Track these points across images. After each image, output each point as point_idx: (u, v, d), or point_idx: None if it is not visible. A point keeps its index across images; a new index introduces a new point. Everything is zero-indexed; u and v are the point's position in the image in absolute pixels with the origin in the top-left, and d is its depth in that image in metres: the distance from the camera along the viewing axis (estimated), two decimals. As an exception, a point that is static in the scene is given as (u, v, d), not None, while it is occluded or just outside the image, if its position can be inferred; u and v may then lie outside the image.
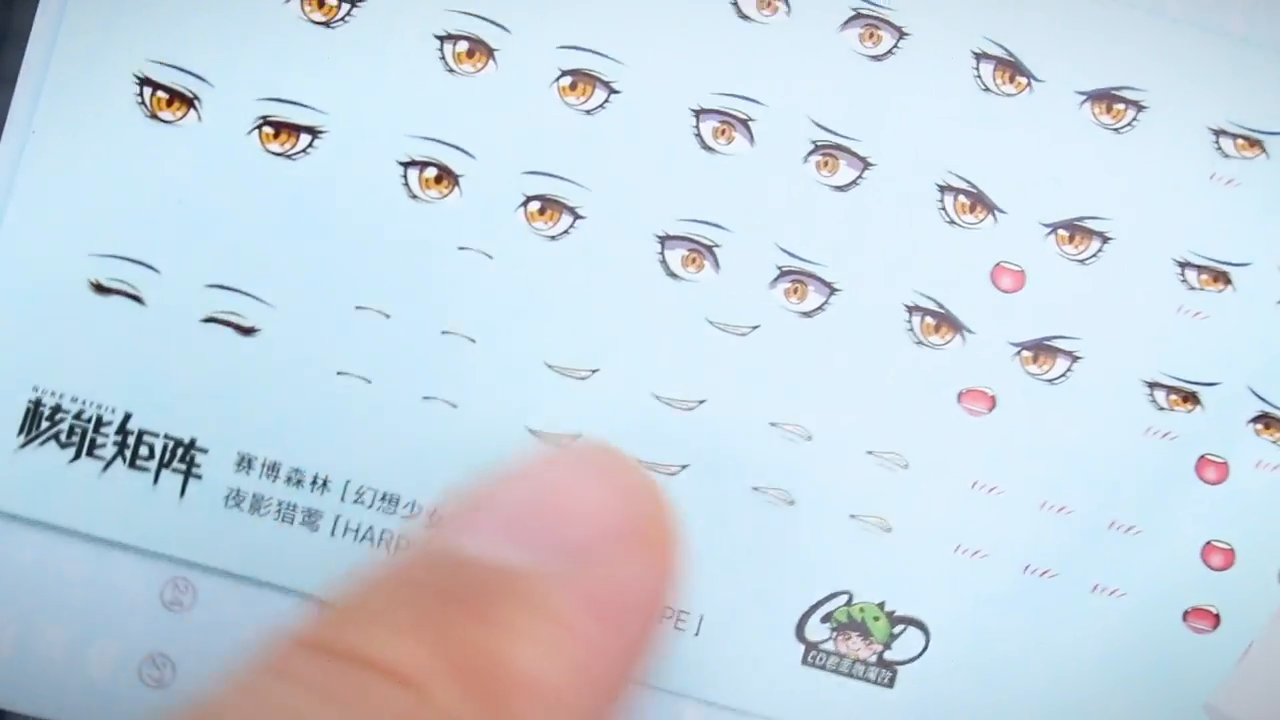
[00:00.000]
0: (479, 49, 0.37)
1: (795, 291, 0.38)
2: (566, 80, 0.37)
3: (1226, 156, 0.39)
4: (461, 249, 0.37)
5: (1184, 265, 0.39)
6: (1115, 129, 0.39)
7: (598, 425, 0.37)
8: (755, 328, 0.37)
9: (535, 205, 0.37)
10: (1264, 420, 0.39)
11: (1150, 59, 0.39)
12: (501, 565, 0.28)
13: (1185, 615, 0.38)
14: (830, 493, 0.37)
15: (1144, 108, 0.39)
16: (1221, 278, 0.39)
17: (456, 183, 0.37)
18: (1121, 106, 0.39)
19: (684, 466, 0.37)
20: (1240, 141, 0.39)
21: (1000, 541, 0.38)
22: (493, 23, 0.37)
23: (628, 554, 0.29)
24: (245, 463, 0.36)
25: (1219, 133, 0.39)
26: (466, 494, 0.30)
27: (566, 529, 0.29)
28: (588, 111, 0.37)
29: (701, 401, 0.37)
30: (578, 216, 0.37)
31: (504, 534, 0.29)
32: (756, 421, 0.37)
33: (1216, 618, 0.38)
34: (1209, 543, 0.39)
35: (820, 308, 0.38)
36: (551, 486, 0.29)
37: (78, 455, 0.36)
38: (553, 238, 0.37)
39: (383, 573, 0.28)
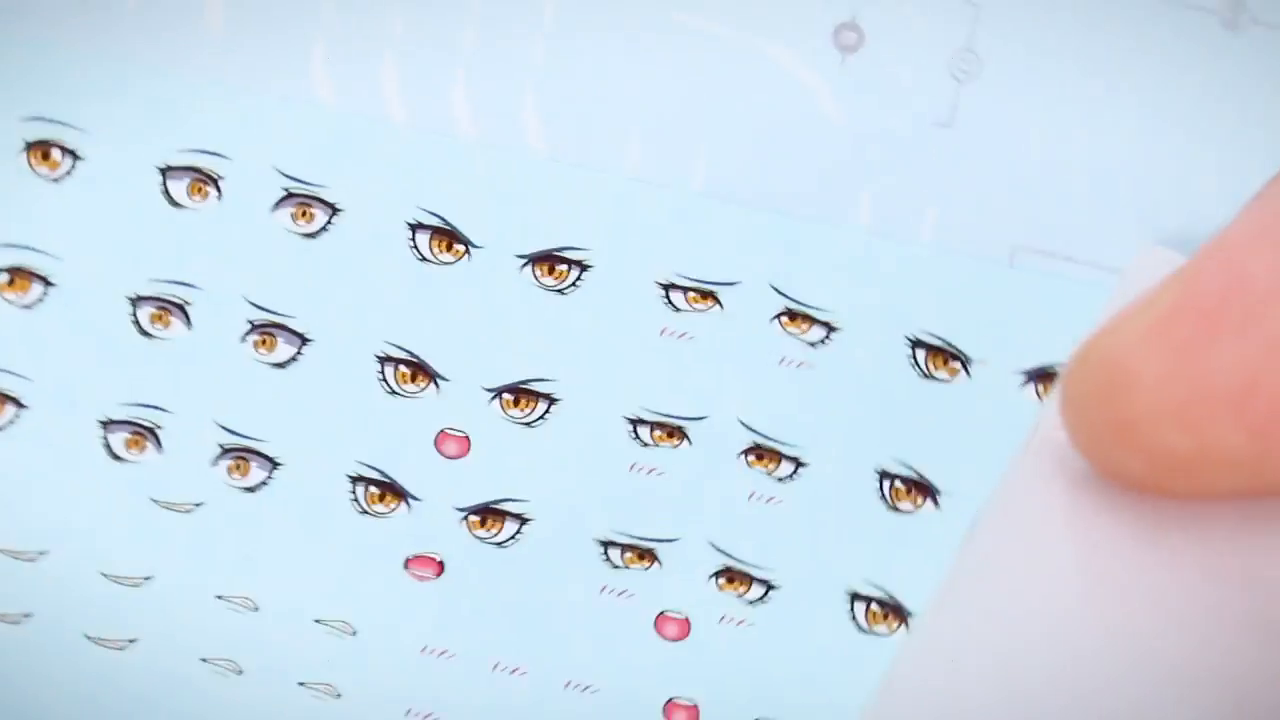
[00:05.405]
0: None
1: (238, 468, 0.39)
2: (4, 277, 0.39)
3: (678, 310, 0.39)
4: (-89, 442, 0.39)
5: (635, 422, 0.39)
6: (559, 289, 0.39)
7: (46, 604, 0.39)
8: (199, 505, 0.39)
9: (-20, 397, 0.39)
10: (727, 574, 0.39)
11: (593, 217, 0.39)
12: None
13: (651, 771, 0.39)
14: (278, 661, 0.39)
15: (588, 266, 0.39)
16: (677, 433, 0.39)
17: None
18: (564, 267, 0.39)
19: (132, 641, 0.39)
20: (691, 294, 0.39)
21: (452, 705, 0.39)
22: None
23: None
24: None
25: (669, 287, 0.39)
26: None
27: None
28: (26, 306, 0.39)
29: (148, 578, 0.39)
30: (21, 406, 0.39)
31: None
32: (203, 595, 0.39)
33: (684, 773, 0.39)
34: (671, 700, 0.39)
35: (264, 482, 0.39)
36: None
37: None
38: (-2, 427, 0.39)
39: None
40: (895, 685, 0.33)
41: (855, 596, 0.39)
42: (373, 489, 0.39)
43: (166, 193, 0.39)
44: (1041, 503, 0.20)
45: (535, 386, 0.39)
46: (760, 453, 0.39)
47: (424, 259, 0.39)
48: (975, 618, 0.22)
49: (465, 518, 0.39)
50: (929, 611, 0.29)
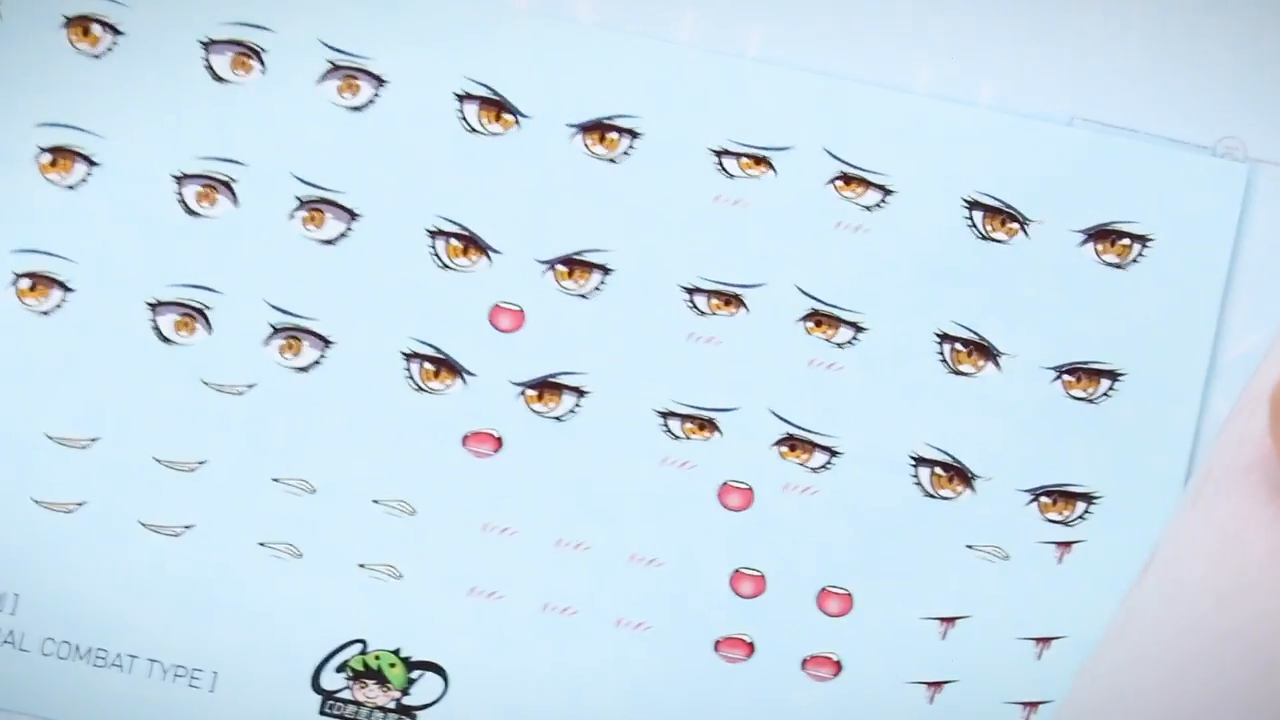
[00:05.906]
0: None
1: (290, 348, 0.38)
2: (47, 158, 0.38)
3: (731, 176, 0.38)
4: (-45, 331, 0.38)
5: (692, 291, 0.38)
6: (610, 158, 0.38)
7: (101, 491, 0.38)
8: (251, 386, 0.38)
9: (25, 283, 0.38)
10: (789, 442, 0.38)
11: (644, 84, 0.38)
12: None
13: (716, 645, 0.38)
14: (337, 543, 0.38)
15: (639, 134, 0.38)
16: (734, 301, 0.38)
17: (-54, 267, 0.38)
18: (615, 135, 0.38)
19: (189, 527, 0.38)
20: (745, 160, 0.38)
21: (516, 581, 0.38)
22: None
23: None
24: None
25: (721, 153, 0.38)
26: None
27: None
28: (70, 187, 0.38)
29: (203, 462, 0.38)
30: (67, 290, 0.38)
31: None
32: (259, 478, 0.38)
33: (750, 646, 0.38)
34: (737, 570, 0.38)
35: (316, 363, 0.38)
36: None
37: None
38: (45, 313, 0.38)
39: None
40: (1086, 684, 0.32)
41: (919, 460, 0.38)
42: (427, 365, 0.38)
43: (210, 67, 0.38)
44: (1236, 517, 0.19)
45: (589, 257, 0.38)
46: (819, 319, 0.38)
47: (473, 130, 0.38)
48: (1167, 633, 0.21)
49: (522, 392, 0.38)
50: (1114, 629, 0.28)
